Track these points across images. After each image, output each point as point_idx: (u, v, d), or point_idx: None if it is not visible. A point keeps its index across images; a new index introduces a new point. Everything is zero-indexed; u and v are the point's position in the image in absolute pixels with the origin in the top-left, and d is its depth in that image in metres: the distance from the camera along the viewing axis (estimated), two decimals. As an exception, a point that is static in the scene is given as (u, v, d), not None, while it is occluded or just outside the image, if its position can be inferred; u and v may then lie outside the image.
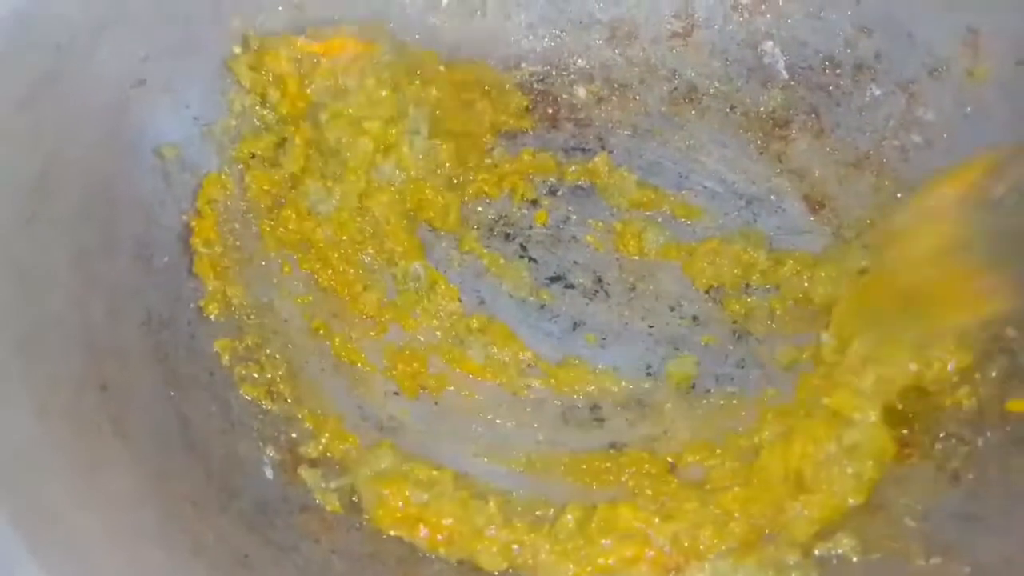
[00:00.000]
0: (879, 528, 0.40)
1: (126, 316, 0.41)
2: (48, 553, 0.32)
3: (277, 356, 0.45)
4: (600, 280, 0.52)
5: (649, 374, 0.49)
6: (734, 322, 0.50)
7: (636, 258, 0.52)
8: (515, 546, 0.38)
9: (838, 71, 0.53)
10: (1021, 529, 0.37)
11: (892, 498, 0.41)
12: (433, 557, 0.40)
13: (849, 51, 0.53)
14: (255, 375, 0.44)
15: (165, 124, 0.46)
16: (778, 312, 0.50)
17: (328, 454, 0.42)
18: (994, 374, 0.42)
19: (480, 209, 0.53)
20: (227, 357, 0.44)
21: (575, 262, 0.52)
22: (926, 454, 0.42)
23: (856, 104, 0.53)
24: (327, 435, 0.42)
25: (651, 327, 0.50)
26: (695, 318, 0.50)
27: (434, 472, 0.41)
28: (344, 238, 0.49)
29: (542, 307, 0.51)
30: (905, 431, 0.43)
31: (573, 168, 0.54)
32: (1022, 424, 0.40)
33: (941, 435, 0.42)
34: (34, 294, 0.37)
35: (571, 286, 0.52)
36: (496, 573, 0.39)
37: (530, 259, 0.52)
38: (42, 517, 0.32)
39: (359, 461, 0.41)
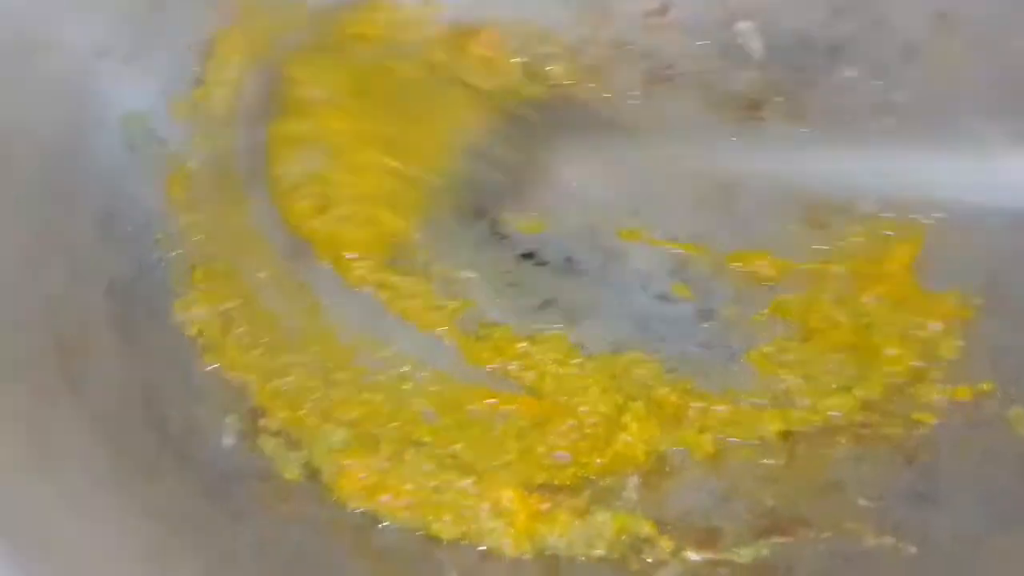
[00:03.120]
0: (833, 507, 0.40)
1: (87, 282, 0.41)
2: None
3: (243, 323, 0.45)
4: (571, 259, 0.52)
5: (614, 351, 0.49)
6: (702, 301, 0.50)
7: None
8: (464, 511, 0.39)
9: (812, 52, 0.53)
10: (969, 508, 0.37)
11: (846, 478, 0.41)
12: (392, 526, 0.41)
13: (823, 32, 0.53)
14: (217, 343, 0.44)
15: (131, 95, 0.46)
16: (746, 293, 0.50)
17: (288, 428, 0.42)
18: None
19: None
20: (192, 326, 0.44)
21: (547, 240, 0.52)
22: (882, 437, 0.42)
23: (827, 84, 0.53)
24: (286, 411, 0.43)
25: (620, 305, 0.50)
26: (663, 297, 0.51)
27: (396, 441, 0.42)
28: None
29: (512, 285, 0.51)
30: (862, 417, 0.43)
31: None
32: (978, 409, 0.41)
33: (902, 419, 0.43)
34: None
35: (543, 263, 0.52)
36: (448, 542, 0.40)
37: (501, 236, 0.52)
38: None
39: (315, 436, 0.42)
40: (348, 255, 0.50)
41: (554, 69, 0.56)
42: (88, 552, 0.32)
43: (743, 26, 0.55)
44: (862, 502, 0.40)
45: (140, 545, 0.34)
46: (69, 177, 0.43)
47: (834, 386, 0.45)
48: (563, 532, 0.40)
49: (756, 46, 0.55)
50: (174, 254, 0.45)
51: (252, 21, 0.50)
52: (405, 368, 0.48)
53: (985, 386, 0.41)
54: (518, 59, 0.55)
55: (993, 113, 0.47)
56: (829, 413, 0.44)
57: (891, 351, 0.44)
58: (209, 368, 0.43)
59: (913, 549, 0.36)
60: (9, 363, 0.36)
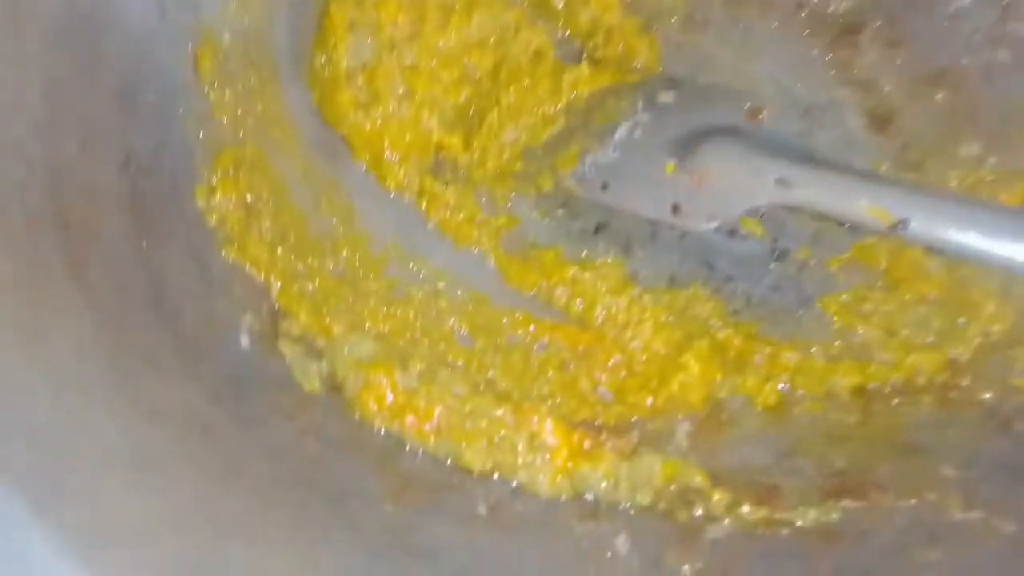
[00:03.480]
0: (914, 473, 0.36)
1: (101, 155, 0.37)
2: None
3: (268, 218, 0.41)
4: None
5: (672, 285, 0.44)
6: (775, 240, 0.45)
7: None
8: (498, 437, 0.35)
9: (925, -27, 0.47)
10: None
11: (929, 442, 0.37)
12: (418, 450, 0.37)
13: (940, -49, 0.47)
14: (239, 235, 0.39)
15: (165, -49, 0.41)
16: (825, 235, 0.45)
17: (310, 334, 0.38)
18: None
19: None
20: (214, 214, 0.40)
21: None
22: (972, 401, 0.38)
23: (940, 12, 0.47)
24: (309, 315, 0.38)
25: (682, 237, 0.46)
26: (732, 232, 0.46)
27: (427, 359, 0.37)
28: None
29: (565, 204, 0.46)
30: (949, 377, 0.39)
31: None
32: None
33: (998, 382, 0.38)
34: (-5, 112, 0.33)
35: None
36: (478, 474, 0.36)
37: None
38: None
39: (340, 345, 0.37)
40: (389, 156, 0.45)
41: (631, -31, 0.50)
42: (75, 452, 0.28)
43: (847, -61, 0.49)
44: (947, 470, 0.35)
45: (134, 449, 0.30)
46: (90, 36, 0.38)
47: (920, 342, 0.40)
48: (609, 473, 0.36)
49: (859, -37, 0.49)
50: (200, 134, 0.41)
51: None
52: (441, 284, 0.44)
53: (1099, 353, 0.36)
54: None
55: None
56: (913, 371, 0.39)
57: (989, 308, 0.39)
58: (229, 261, 0.39)
59: (1011, 527, 0.32)
60: (3, 232, 0.32)
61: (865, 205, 0.37)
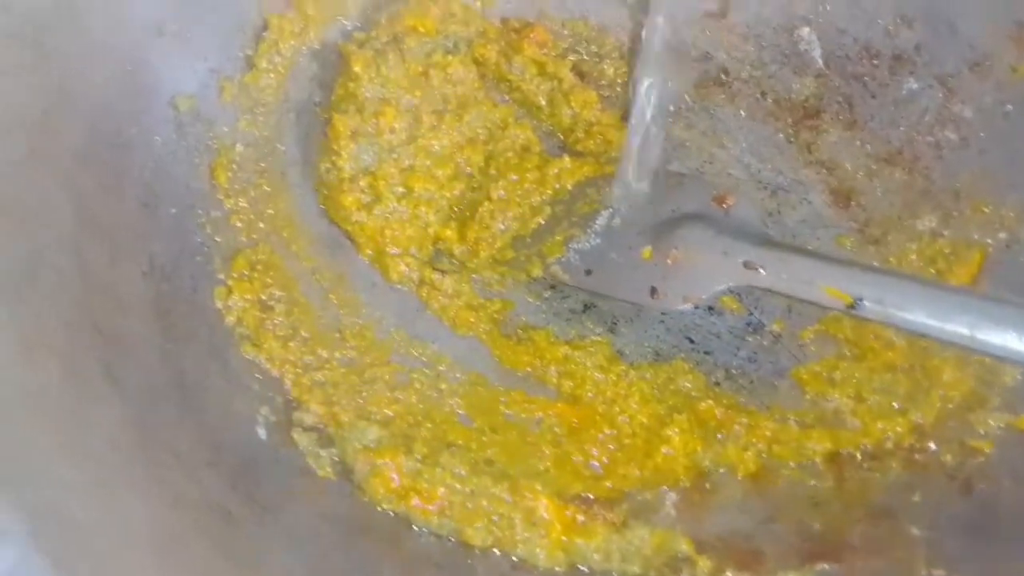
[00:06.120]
0: (884, 534, 0.39)
1: (126, 263, 0.40)
2: (20, 494, 0.31)
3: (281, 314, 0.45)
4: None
5: (656, 360, 0.47)
6: (749, 313, 0.48)
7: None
8: (497, 515, 0.38)
9: (875, 61, 0.51)
10: (1031, 545, 0.35)
11: (899, 505, 0.40)
12: (424, 531, 0.40)
13: (889, 41, 0.51)
14: (255, 332, 0.43)
15: (182, 75, 0.46)
16: (797, 308, 0.48)
17: (321, 423, 0.41)
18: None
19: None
20: (231, 314, 0.44)
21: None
22: (936, 463, 0.40)
23: (892, 97, 0.51)
24: (321, 405, 0.42)
25: (664, 315, 0.49)
26: (711, 308, 0.49)
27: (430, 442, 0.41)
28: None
29: (554, 287, 0.50)
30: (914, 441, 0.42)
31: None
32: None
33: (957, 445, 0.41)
34: (27, 231, 0.36)
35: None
36: (479, 550, 0.38)
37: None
38: (18, 455, 0.32)
39: (348, 433, 0.41)
40: (391, 251, 0.49)
41: (606, 69, 0.55)
42: (104, 533, 0.31)
43: (805, 32, 0.53)
44: (914, 530, 0.38)
45: (159, 531, 0.33)
46: (115, 155, 0.42)
47: (887, 407, 0.43)
48: (599, 546, 0.39)
49: (817, 54, 0.53)
50: (217, 239, 0.45)
51: (306, 7, 0.50)
52: (441, 368, 0.47)
53: (1048, 416, 0.39)
54: (570, 58, 0.54)
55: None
56: (881, 436, 0.42)
57: (948, 374, 0.42)
58: (247, 358, 0.43)
59: (969, 584, 0.34)
60: (44, 346, 0.35)
61: (823, 286, 0.40)
